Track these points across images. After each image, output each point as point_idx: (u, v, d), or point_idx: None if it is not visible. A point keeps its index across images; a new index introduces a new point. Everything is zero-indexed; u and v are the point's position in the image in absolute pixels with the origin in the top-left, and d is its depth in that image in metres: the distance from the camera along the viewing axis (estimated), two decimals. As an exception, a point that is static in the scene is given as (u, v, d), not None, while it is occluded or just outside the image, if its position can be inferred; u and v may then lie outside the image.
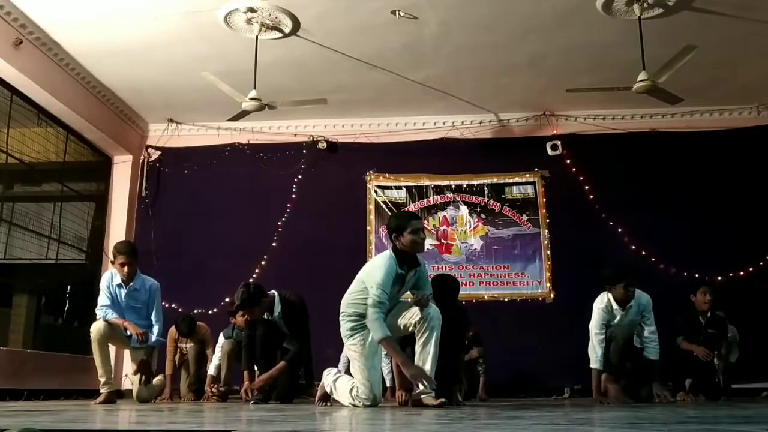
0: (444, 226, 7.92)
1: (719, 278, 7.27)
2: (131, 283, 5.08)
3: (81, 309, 7.70)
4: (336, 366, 6.57)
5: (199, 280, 7.66)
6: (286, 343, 5.18)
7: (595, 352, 4.85)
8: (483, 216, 7.93)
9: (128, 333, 4.99)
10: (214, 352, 6.49)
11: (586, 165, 7.83)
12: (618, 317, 4.90)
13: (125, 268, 5.01)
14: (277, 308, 5.04)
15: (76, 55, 6.69)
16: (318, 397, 4.25)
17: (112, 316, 4.95)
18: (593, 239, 7.54)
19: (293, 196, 8.01)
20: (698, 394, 5.37)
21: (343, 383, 4.03)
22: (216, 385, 6.26)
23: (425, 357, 3.81)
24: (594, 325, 4.90)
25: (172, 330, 6.57)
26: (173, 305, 7.39)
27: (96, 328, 4.91)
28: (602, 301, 4.92)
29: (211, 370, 6.40)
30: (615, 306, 4.88)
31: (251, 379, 5.04)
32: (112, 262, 5.20)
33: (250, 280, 6.56)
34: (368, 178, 8.07)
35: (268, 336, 5.04)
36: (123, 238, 7.76)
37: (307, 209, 7.92)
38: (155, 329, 5.11)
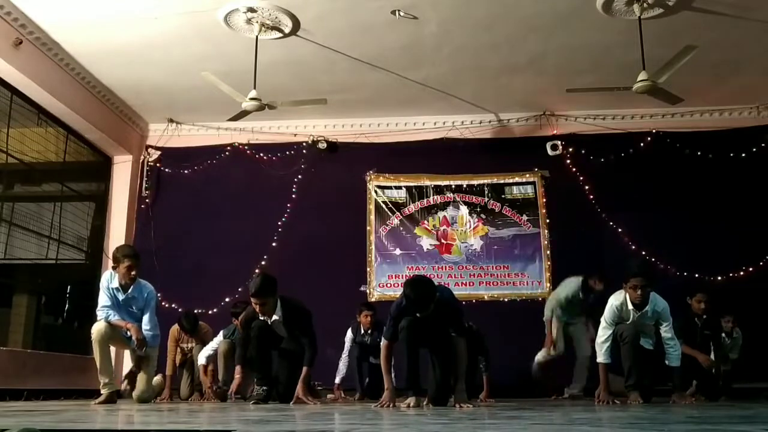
0: (444, 226, 7.92)
1: (719, 278, 7.27)
2: (129, 291, 4.99)
3: (81, 309, 7.69)
4: (335, 366, 6.62)
5: (199, 280, 7.66)
6: (283, 345, 5.17)
7: (599, 346, 4.70)
8: (483, 216, 7.93)
9: (128, 335, 4.98)
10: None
11: (586, 165, 7.83)
12: (630, 319, 4.73)
13: (133, 272, 4.98)
14: (278, 312, 5.03)
15: (76, 55, 6.69)
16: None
17: (114, 318, 4.93)
18: (593, 239, 7.54)
19: (293, 196, 8.01)
20: (698, 394, 5.37)
21: None
22: (214, 385, 6.26)
23: None
24: (603, 318, 4.75)
25: (174, 329, 6.55)
26: (173, 305, 7.39)
27: (97, 329, 4.89)
28: (617, 298, 4.74)
29: (204, 353, 6.32)
30: (630, 306, 4.69)
31: (243, 376, 5.04)
32: (114, 267, 5.05)
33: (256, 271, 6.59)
34: (368, 178, 8.07)
35: (262, 337, 5.03)
36: (123, 238, 7.78)
37: (307, 209, 7.91)
38: (147, 336, 5.00)
